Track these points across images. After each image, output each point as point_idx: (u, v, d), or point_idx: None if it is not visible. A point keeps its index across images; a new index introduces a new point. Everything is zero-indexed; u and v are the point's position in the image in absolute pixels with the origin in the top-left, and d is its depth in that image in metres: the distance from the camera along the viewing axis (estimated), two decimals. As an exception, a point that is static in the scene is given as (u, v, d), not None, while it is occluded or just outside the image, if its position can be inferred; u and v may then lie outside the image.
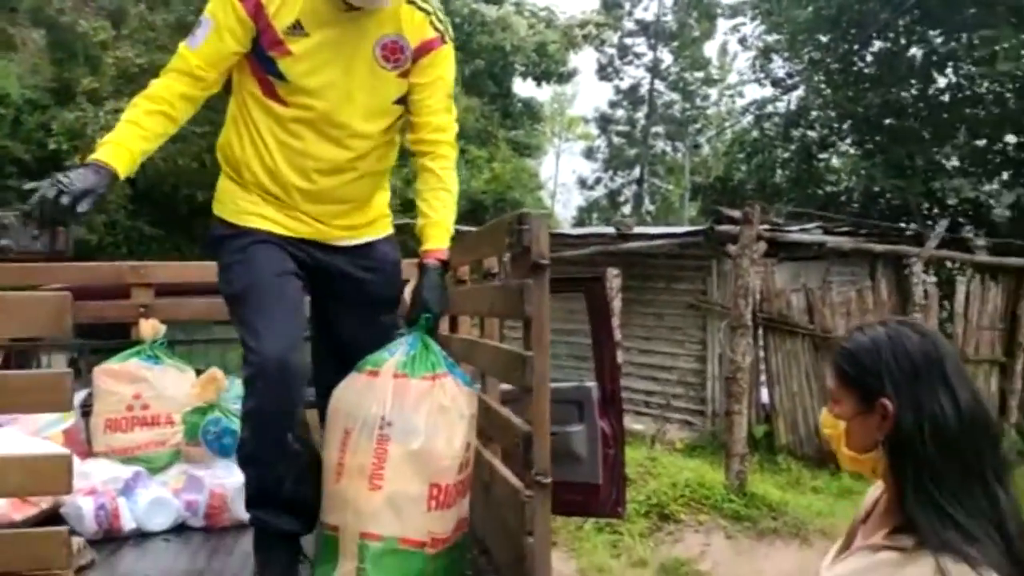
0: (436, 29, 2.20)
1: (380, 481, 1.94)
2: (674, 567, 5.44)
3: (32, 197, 1.83)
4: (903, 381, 1.30)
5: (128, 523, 2.72)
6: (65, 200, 1.82)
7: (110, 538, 2.67)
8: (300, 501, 2.13)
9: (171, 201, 17.71)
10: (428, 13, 2.18)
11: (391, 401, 1.97)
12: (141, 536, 2.74)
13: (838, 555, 1.40)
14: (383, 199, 2.44)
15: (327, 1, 2.07)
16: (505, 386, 2.80)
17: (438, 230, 2.20)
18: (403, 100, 2.25)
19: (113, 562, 2.53)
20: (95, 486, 2.70)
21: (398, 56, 2.17)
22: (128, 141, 2.04)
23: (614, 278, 7.72)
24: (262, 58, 2.12)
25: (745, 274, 6.51)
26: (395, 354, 2.03)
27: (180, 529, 2.82)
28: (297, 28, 2.08)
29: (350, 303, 2.33)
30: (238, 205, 2.22)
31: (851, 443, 1.37)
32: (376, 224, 2.38)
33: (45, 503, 2.64)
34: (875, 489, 1.43)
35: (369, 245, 2.34)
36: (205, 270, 4.59)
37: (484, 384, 2.80)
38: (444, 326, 3.23)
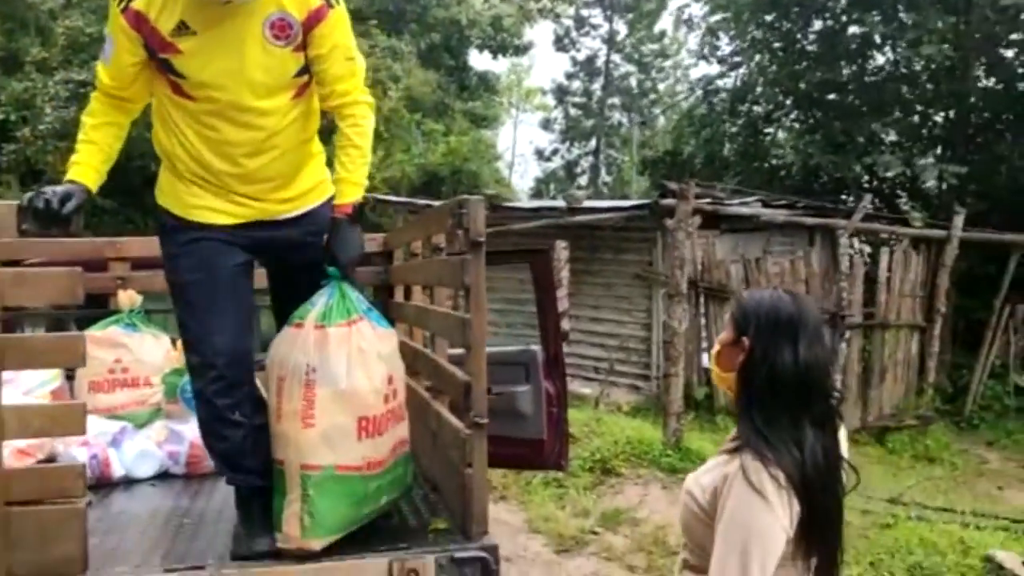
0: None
1: (312, 420, 2.20)
2: (614, 515, 5.91)
3: (24, 211, 2.10)
4: (762, 329, 1.76)
5: (118, 471, 3.07)
6: (54, 204, 2.09)
7: (102, 484, 3.01)
8: (263, 460, 2.35)
9: (123, 172, 17.61)
10: None
11: (313, 350, 2.22)
12: (129, 482, 3.09)
13: None
14: (316, 166, 2.55)
15: (188, 6, 2.20)
16: (453, 351, 3.18)
17: (347, 186, 2.36)
18: (306, 71, 2.34)
19: (107, 503, 2.88)
20: (87, 439, 3.03)
21: (287, 32, 2.26)
22: (89, 158, 2.30)
23: (562, 250, 8.11)
24: (158, 60, 2.26)
25: (681, 246, 6.96)
26: (316, 306, 2.29)
27: (164, 476, 3.17)
28: (183, 28, 2.20)
29: (303, 267, 2.47)
30: (182, 199, 2.37)
31: (719, 362, 1.86)
32: (315, 191, 2.51)
33: (41, 453, 2.97)
34: None
35: (311, 212, 2.49)
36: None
37: (433, 345, 3.19)
38: (399, 295, 3.62)
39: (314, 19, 2.27)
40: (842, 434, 1.81)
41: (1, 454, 1.99)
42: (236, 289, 2.38)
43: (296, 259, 2.50)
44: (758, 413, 1.71)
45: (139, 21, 2.21)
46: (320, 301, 2.30)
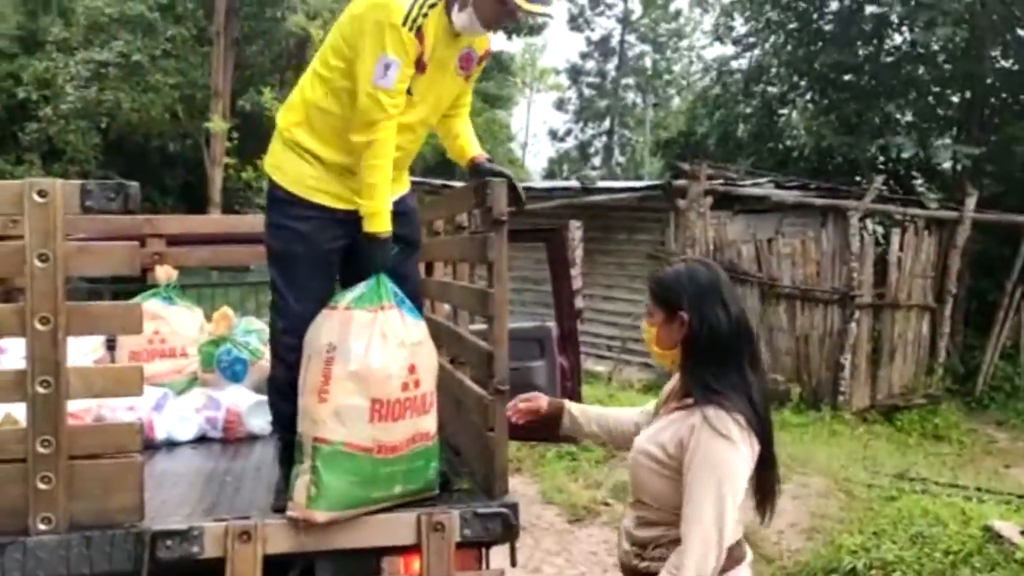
0: (489, 37, 2.62)
1: (326, 395, 2.30)
2: (624, 487, 6.07)
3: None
4: (694, 300, 1.98)
5: (160, 433, 3.26)
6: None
7: (146, 446, 3.18)
8: None
9: (142, 152, 17.87)
10: None
11: (337, 330, 2.34)
12: (171, 444, 3.29)
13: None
14: None
15: (445, 28, 2.44)
16: (474, 326, 3.35)
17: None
18: None
19: (151, 464, 3.06)
20: (132, 404, 3.23)
21: (469, 65, 2.60)
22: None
23: (576, 230, 8.27)
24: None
25: (693, 226, 7.10)
26: (352, 291, 2.42)
27: (202, 440, 3.36)
28: (431, 50, 2.44)
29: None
30: (304, 182, 2.51)
31: (660, 343, 2.08)
32: (404, 181, 2.77)
33: (89, 417, 3.17)
34: (669, 384, 2.15)
35: (401, 199, 2.73)
36: (209, 223, 5.11)
37: (456, 318, 3.36)
38: (421, 270, 3.80)
39: (486, 55, 2.65)
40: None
41: (66, 411, 2.18)
42: (331, 265, 2.57)
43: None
44: (708, 371, 1.94)
45: (420, 42, 2.39)
46: (358, 288, 2.43)
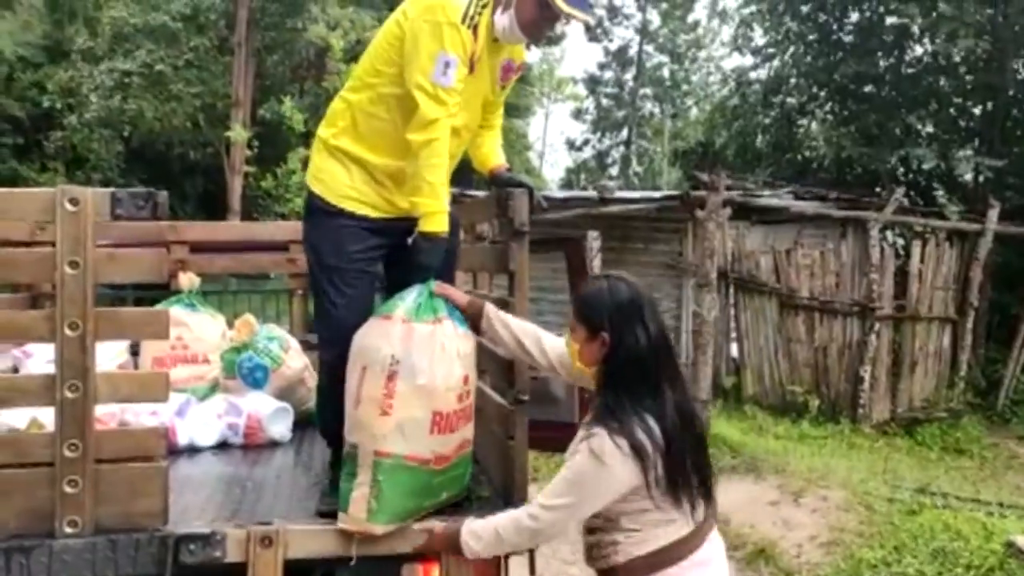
0: (527, 49, 2.70)
1: (390, 410, 2.28)
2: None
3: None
4: (615, 320, 2.03)
5: (183, 439, 3.30)
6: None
7: (169, 451, 3.22)
8: None
9: (164, 160, 18.07)
10: None
11: (399, 343, 2.30)
12: (193, 450, 3.32)
13: None
14: None
15: (491, 32, 2.49)
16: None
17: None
18: None
19: (175, 469, 3.09)
20: (155, 409, 3.27)
21: (509, 75, 2.67)
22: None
23: (594, 240, 8.25)
24: None
25: (711, 236, 7.08)
26: (405, 301, 2.38)
27: (223, 445, 3.40)
28: (478, 52, 2.48)
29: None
30: (341, 191, 2.53)
31: (583, 359, 2.14)
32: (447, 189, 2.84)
33: (114, 423, 3.21)
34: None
35: None
36: (231, 230, 5.16)
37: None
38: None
39: (521, 67, 2.73)
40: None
41: (93, 416, 2.21)
42: (370, 274, 2.60)
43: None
44: (620, 391, 2.01)
45: (475, 39, 2.43)
46: (409, 297, 2.39)
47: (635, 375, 2.01)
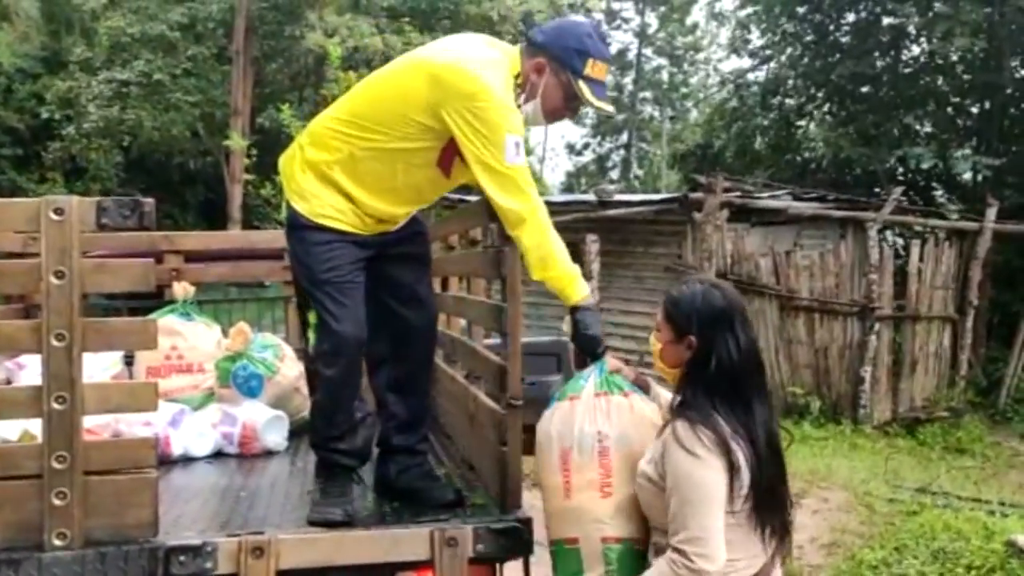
0: None
1: (610, 488, 2.14)
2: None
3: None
4: (704, 326, 1.96)
5: (177, 449, 3.28)
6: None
7: (162, 461, 3.20)
8: (358, 443, 2.62)
9: (163, 169, 18.09)
10: None
11: (602, 418, 2.19)
12: (187, 460, 3.31)
13: None
14: None
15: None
16: (489, 341, 3.35)
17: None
18: None
19: (168, 479, 3.09)
20: (149, 419, 3.25)
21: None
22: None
23: (592, 243, 8.25)
24: None
25: (709, 238, 7.07)
26: (588, 380, 2.28)
27: (218, 455, 3.38)
28: None
29: (404, 259, 2.70)
30: (326, 212, 2.50)
31: (664, 359, 2.08)
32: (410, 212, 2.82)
33: (107, 434, 3.19)
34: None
35: (412, 219, 2.74)
36: (227, 239, 5.15)
37: (471, 333, 3.36)
38: (437, 286, 3.81)
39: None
40: None
41: (81, 427, 2.20)
42: (361, 284, 2.56)
43: (399, 252, 2.69)
44: (692, 389, 1.95)
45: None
46: (590, 377, 2.30)
47: (723, 386, 1.92)
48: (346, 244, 2.52)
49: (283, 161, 2.65)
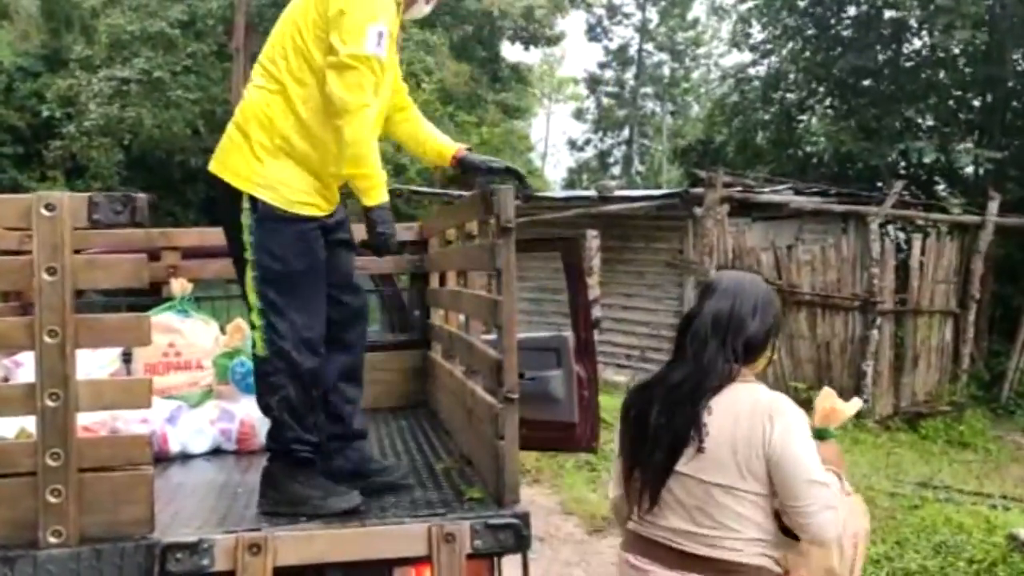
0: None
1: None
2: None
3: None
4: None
5: (175, 446, 3.27)
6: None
7: (160, 458, 3.20)
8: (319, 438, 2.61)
9: (164, 167, 18.10)
10: None
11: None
12: (185, 457, 3.29)
13: None
14: None
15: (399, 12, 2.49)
16: (487, 336, 3.34)
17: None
18: None
19: (165, 476, 3.08)
20: (146, 417, 3.24)
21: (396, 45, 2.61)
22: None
23: (593, 239, 8.24)
24: None
25: (709, 233, 7.05)
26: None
27: (216, 452, 3.37)
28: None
29: (341, 245, 2.67)
30: (295, 196, 2.44)
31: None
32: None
33: (104, 431, 3.19)
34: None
35: (340, 204, 2.70)
36: (223, 235, 5.11)
37: (468, 327, 3.35)
38: (435, 281, 3.80)
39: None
40: None
41: (75, 424, 2.19)
42: (322, 284, 2.55)
43: (343, 233, 2.69)
44: None
45: (398, 13, 2.44)
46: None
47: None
48: (316, 230, 2.50)
49: (225, 156, 2.50)
